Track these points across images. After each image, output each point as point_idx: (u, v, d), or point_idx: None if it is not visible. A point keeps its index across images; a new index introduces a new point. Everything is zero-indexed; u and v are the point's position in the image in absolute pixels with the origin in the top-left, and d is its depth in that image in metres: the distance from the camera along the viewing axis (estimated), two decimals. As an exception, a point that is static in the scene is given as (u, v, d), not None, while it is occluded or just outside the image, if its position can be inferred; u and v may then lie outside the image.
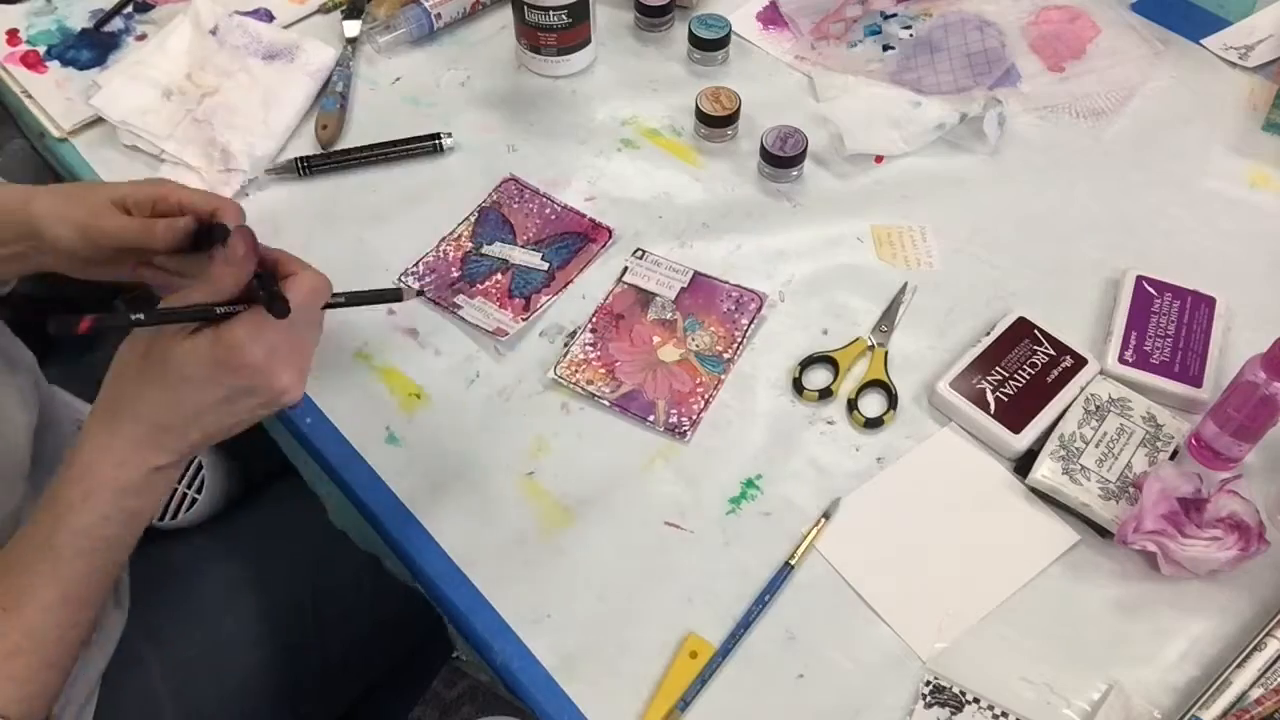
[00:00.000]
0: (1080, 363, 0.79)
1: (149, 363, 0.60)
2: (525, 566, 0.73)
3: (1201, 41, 1.05)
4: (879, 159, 0.96)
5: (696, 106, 0.96)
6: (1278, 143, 0.96)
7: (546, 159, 0.96)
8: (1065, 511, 0.74)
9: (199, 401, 0.60)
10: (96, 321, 0.56)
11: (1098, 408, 0.77)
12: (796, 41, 1.06)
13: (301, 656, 0.86)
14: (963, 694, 0.67)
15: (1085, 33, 1.05)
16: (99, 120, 0.97)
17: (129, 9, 1.07)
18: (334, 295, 0.64)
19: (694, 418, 0.79)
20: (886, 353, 0.82)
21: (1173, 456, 0.75)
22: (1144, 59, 1.03)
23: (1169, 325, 0.81)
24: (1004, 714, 0.66)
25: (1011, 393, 0.78)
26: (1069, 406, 0.77)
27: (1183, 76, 1.02)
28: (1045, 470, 0.74)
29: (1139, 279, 0.84)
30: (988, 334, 0.82)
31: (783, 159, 0.92)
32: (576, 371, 0.81)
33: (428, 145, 0.96)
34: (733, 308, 0.85)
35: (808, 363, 0.82)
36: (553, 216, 0.92)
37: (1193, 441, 0.76)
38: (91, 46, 1.04)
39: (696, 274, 0.87)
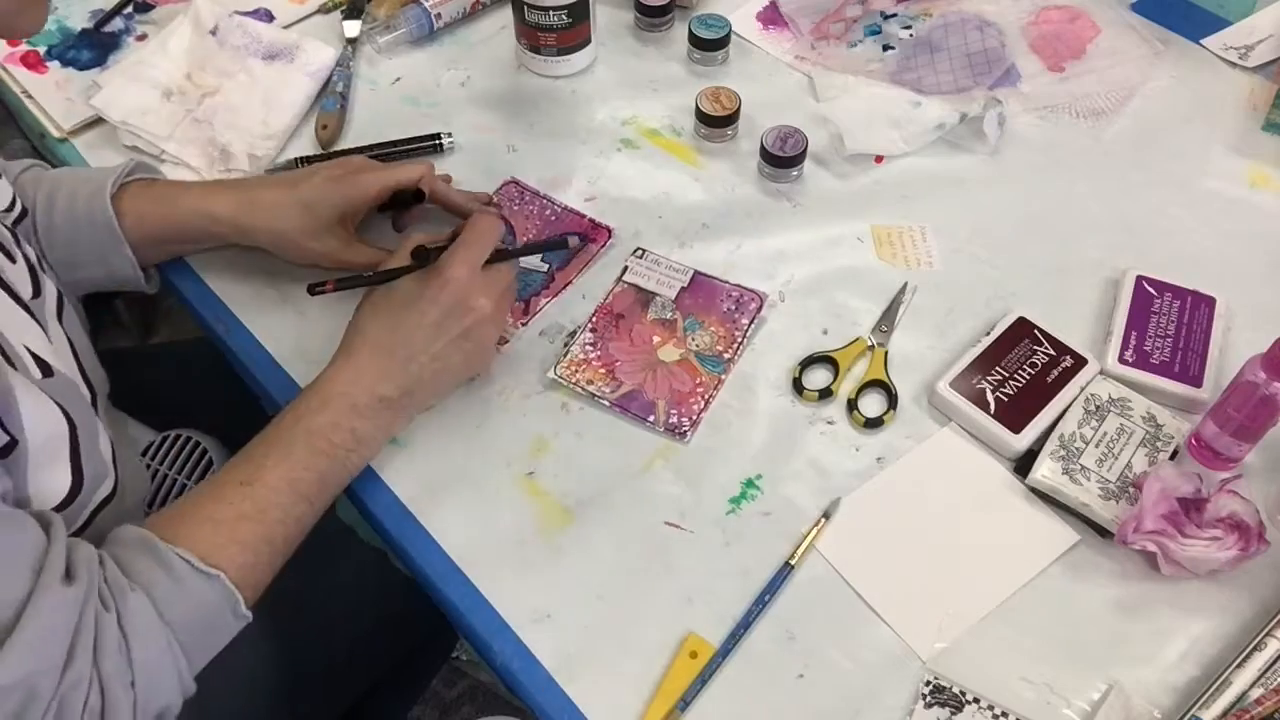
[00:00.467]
0: (1080, 363, 0.79)
1: (381, 301, 0.74)
2: (525, 566, 0.73)
3: (1201, 41, 1.05)
4: (879, 159, 0.96)
5: (696, 106, 0.96)
6: (1278, 143, 0.96)
7: (546, 159, 0.96)
8: (1065, 511, 0.74)
9: (415, 322, 0.72)
10: (339, 284, 0.75)
11: (1098, 408, 0.77)
12: (796, 41, 1.06)
13: (304, 653, 0.86)
14: (963, 694, 0.67)
15: (1085, 33, 1.05)
16: (99, 120, 0.97)
17: (129, 9, 1.07)
18: (506, 241, 0.81)
19: (694, 418, 0.79)
20: (886, 353, 0.83)
21: (1173, 456, 0.75)
22: (1144, 59, 1.03)
23: (1169, 325, 0.81)
24: (1004, 714, 0.66)
25: (1011, 393, 0.78)
26: (1069, 406, 0.77)
27: (1183, 76, 1.02)
28: (1045, 470, 0.74)
29: (1139, 279, 0.84)
30: (988, 334, 0.82)
31: (783, 159, 0.92)
32: (576, 371, 0.81)
33: (428, 145, 0.96)
34: (733, 307, 0.85)
35: (808, 363, 0.82)
36: (553, 218, 0.92)
37: (1193, 441, 0.76)
38: (91, 47, 1.04)
39: (696, 273, 0.87)
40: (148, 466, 0.84)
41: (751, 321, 0.84)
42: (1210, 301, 0.83)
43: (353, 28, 1.06)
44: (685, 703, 0.67)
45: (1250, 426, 0.72)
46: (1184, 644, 0.69)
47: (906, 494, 0.76)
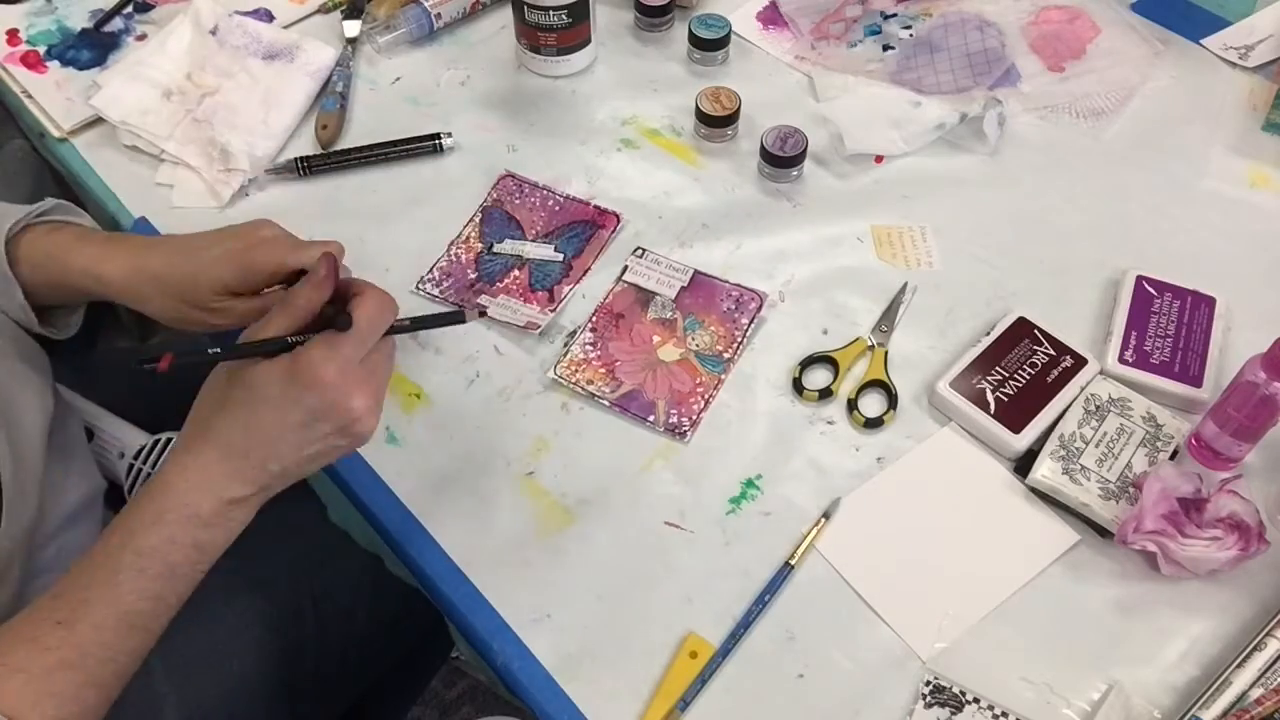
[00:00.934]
0: (1080, 363, 0.79)
1: (231, 389, 0.62)
2: (525, 566, 0.73)
3: (1201, 41, 1.05)
4: (879, 159, 0.96)
5: (696, 106, 0.96)
6: (1278, 143, 0.96)
7: (546, 159, 0.96)
8: (1065, 511, 0.74)
9: (275, 423, 0.61)
10: (178, 358, 0.60)
11: (1098, 408, 0.77)
12: (796, 41, 1.06)
13: (301, 656, 0.86)
14: (963, 694, 0.67)
15: (1085, 33, 1.05)
16: (99, 120, 0.97)
17: (129, 9, 1.07)
18: (398, 320, 0.65)
19: (694, 418, 0.79)
20: (886, 353, 0.82)
21: (1173, 456, 0.75)
22: (1144, 59, 1.03)
23: (1169, 325, 0.81)
24: (1004, 714, 0.66)
25: (1011, 393, 0.78)
26: (1069, 406, 0.77)
27: (1183, 76, 1.02)
28: (1045, 470, 0.74)
29: (1139, 279, 0.84)
30: (988, 334, 0.82)
31: (783, 159, 0.92)
32: (576, 371, 0.81)
33: (428, 145, 0.96)
34: (733, 307, 0.85)
35: (808, 363, 0.82)
36: (556, 208, 0.92)
37: (1193, 441, 0.76)
38: (91, 46, 1.04)
39: (696, 273, 0.87)
40: (138, 469, 0.84)
41: (751, 321, 0.84)
42: (1210, 301, 0.83)
43: (353, 28, 1.06)
44: (685, 703, 0.67)
45: (1250, 426, 0.72)
46: (1184, 644, 0.69)
47: (906, 494, 0.76)
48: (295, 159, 0.95)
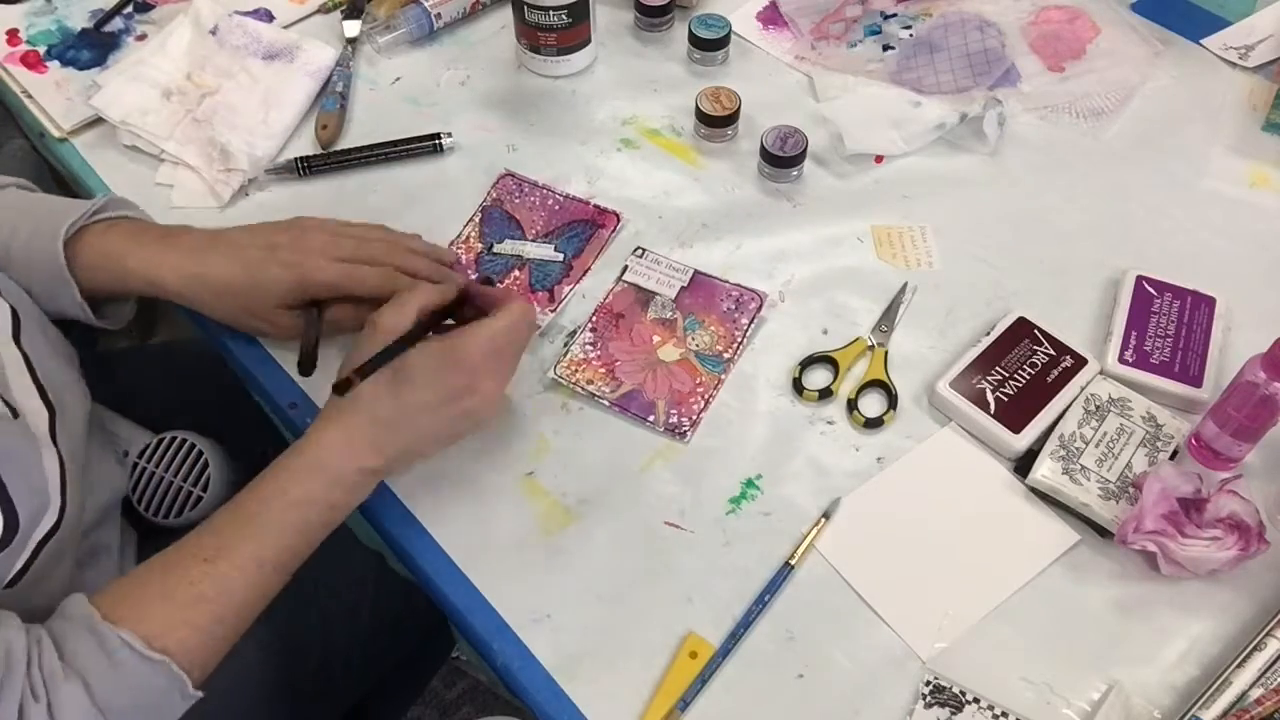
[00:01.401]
0: (1080, 363, 0.79)
1: (389, 371, 0.69)
2: (525, 566, 0.73)
3: (1201, 41, 1.05)
4: (879, 159, 0.96)
5: (696, 106, 0.96)
6: (1278, 143, 0.96)
7: (546, 159, 0.96)
8: (1065, 511, 0.74)
9: (418, 400, 0.69)
10: (362, 371, 0.67)
11: (1098, 408, 0.77)
12: (796, 41, 1.06)
13: (304, 654, 0.86)
14: (963, 694, 0.67)
15: (1085, 33, 1.05)
16: (99, 120, 0.97)
17: (129, 9, 1.07)
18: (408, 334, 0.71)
19: (694, 418, 0.79)
20: (886, 353, 0.83)
21: (1173, 456, 0.75)
22: (1144, 59, 1.03)
23: (1169, 325, 0.81)
24: (1004, 714, 0.66)
25: (1011, 393, 0.78)
26: (1069, 406, 0.77)
27: (1183, 76, 1.02)
28: (1045, 470, 0.74)
29: (1139, 279, 0.84)
30: (988, 334, 0.82)
31: (783, 159, 0.92)
32: (576, 371, 0.81)
33: (428, 145, 0.96)
34: (733, 307, 0.85)
35: (808, 363, 0.82)
36: (556, 207, 0.92)
37: (1193, 441, 0.76)
38: (91, 46, 1.04)
39: (696, 273, 0.87)
40: (141, 469, 0.84)
41: (751, 321, 0.84)
42: (1210, 301, 0.83)
43: (353, 28, 1.06)
44: (685, 703, 0.67)
45: (1250, 426, 0.72)
46: (1184, 644, 0.69)
47: (906, 494, 0.76)
48: (295, 159, 0.95)
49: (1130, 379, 0.79)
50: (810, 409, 0.80)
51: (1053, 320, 0.82)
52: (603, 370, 0.82)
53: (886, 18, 1.07)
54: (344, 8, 1.08)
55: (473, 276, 0.87)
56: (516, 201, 0.93)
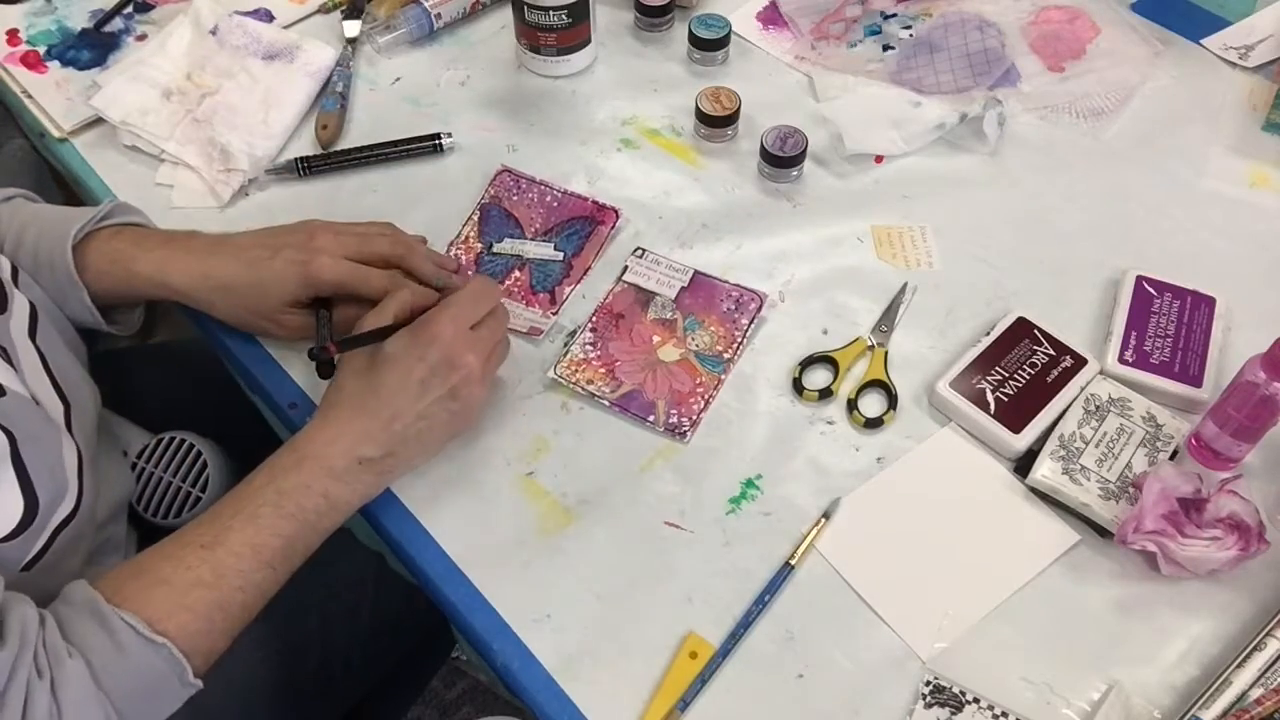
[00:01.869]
0: (1080, 363, 0.79)
1: (364, 357, 0.72)
2: (525, 566, 0.73)
3: (1201, 41, 1.05)
4: (879, 159, 0.96)
5: (696, 106, 0.96)
6: (1278, 143, 0.96)
7: (546, 159, 0.96)
8: (1065, 511, 0.74)
9: (398, 380, 0.70)
10: (341, 345, 0.71)
11: (1098, 408, 0.77)
12: (796, 41, 1.06)
13: (304, 655, 0.86)
14: (963, 694, 0.67)
15: (1085, 33, 1.05)
16: (99, 120, 0.97)
17: (129, 9, 1.07)
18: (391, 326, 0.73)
19: (694, 418, 0.79)
20: (886, 353, 0.82)
21: (1173, 456, 0.75)
22: (1144, 59, 1.03)
23: (1169, 325, 0.81)
24: (1004, 714, 0.66)
25: (1011, 393, 0.78)
26: (1069, 406, 0.77)
27: (1183, 76, 1.02)
28: (1045, 470, 0.74)
29: (1139, 279, 0.84)
30: (988, 334, 0.82)
31: (783, 159, 0.92)
32: (576, 371, 0.81)
33: (428, 145, 0.96)
34: (733, 307, 0.85)
35: (808, 363, 0.82)
36: (554, 204, 0.92)
37: (1193, 441, 0.76)
38: (91, 46, 1.04)
39: (696, 273, 0.87)
40: (141, 469, 0.84)
41: (751, 321, 0.84)
42: (1210, 301, 0.83)
43: (353, 28, 1.06)
44: (685, 703, 0.67)
45: (1250, 426, 0.72)
46: (1184, 644, 0.69)
47: (906, 494, 0.76)
48: (295, 159, 0.95)
49: (1130, 379, 0.79)
50: (810, 409, 0.80)
51: (1053, 320, 0.82)
52: (603, 370, 0.82)
53: (886, 18, 1.07)
54: (344, 8, 1.08)
55: (472, 276, 0.87)
56: (515, 199, 0.93)
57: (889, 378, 0.81)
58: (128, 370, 1.00)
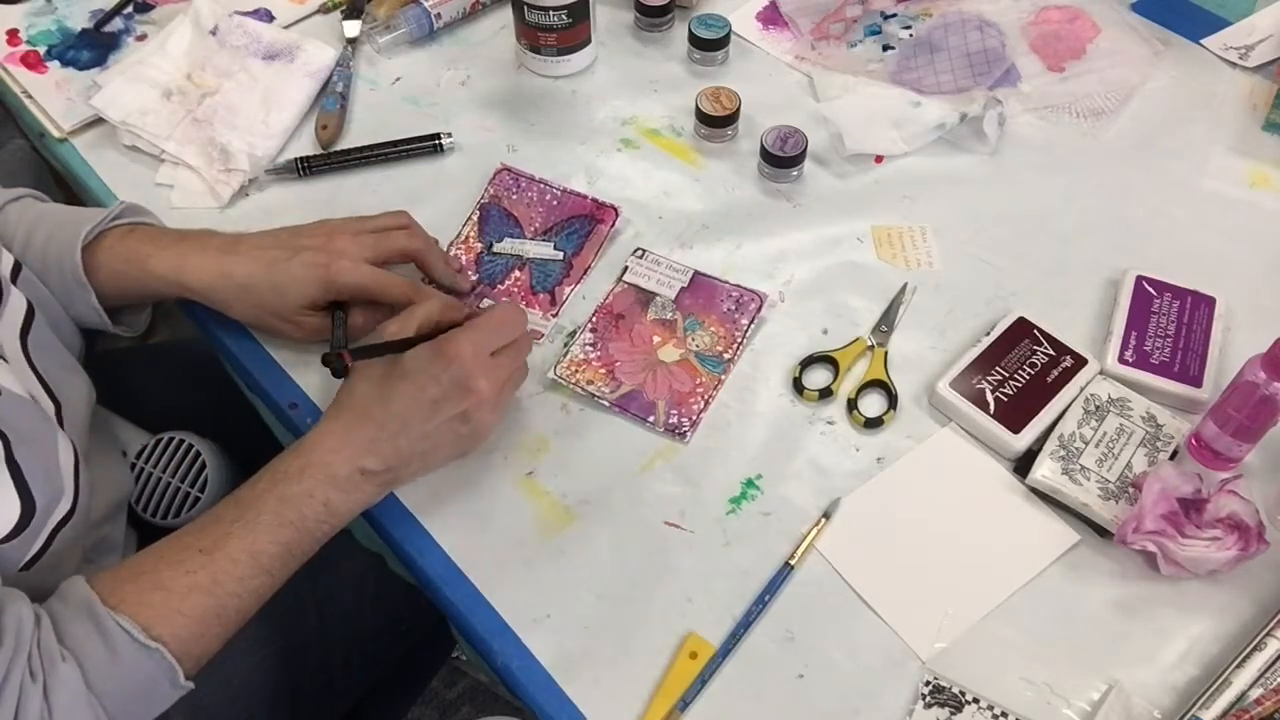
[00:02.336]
0: (1080, 363, 0.79)
1: (380, 369, 0.71)
2: (525, 566, 0.73)
3: (1201, 41, 1.05)
4: (879, 159, 0.96)
5: (696, 106, 0.96)
6: (1278, 143, 0.96)
7: (546, 159, 0.96)
8: (1065, 511, 0.74)
9: (411, 397, 0.69)
10: (355, 354, 0.69)
11: (1097, 408, 0.77)
12: (796, 41, 1.06)
13: (304, 656, 0.86)
14: (963, 694, 0.67)
15: (1085, 33, 1.05)
16: (99, 120, 0.97)
17: (129, 9, 1.07)
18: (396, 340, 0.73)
19: (694, 418, 0.79)
20: (886, 353, 0.83)
21: (1173, 456, 0.75)
22: (1144, 59, 1.03)
23: (1169, 325, 0.81)
24: (1004, 714, 0.66)
25: (1011, 393, 0.78)
26: (1069, 406, 0.77)
27: (1183, 76, 1.02)
28: (1045, 470, 0.74)
29: (1139, 279, 0.84)
30: (988, 334, 0.82)
31: (783, 159, 0.92)
32: (576, 371, 0.81)
33: (428, 145, 0.96)
34: (733, 307, 0.85)
35: (808, 363, 0.82)
36: (554, 202, 0.92)
37: (1193, 441, 0.76)
38: (91, 47, 1.04)
39: (696, 273, 0.87)
40: (139, 469, 0.84)
41: (751, 321, 0.84)
42: (1210, 301, 0.83)
43: (353, 28, 1.06)
44: (685, 703, 0.67)
45: (1250, 426, 0.72)
46: (1184, 644, 0.69)
47: (906, 494, 0.76)
48: (295, 159, 0.95)
49: (1130, 379, 0.79)
50: (810, 409, 0.80)
51: (1053, 320, 0.82)
52: (603, 371, 0.82)
53: (886, 18, 1.07)
54: (344, 8, 1.08)
55: (473, 278, 0.87)
56: (514, 197, 0.93)
57: (889, 378, 0.81)
58: (127, 370, 1.00)
